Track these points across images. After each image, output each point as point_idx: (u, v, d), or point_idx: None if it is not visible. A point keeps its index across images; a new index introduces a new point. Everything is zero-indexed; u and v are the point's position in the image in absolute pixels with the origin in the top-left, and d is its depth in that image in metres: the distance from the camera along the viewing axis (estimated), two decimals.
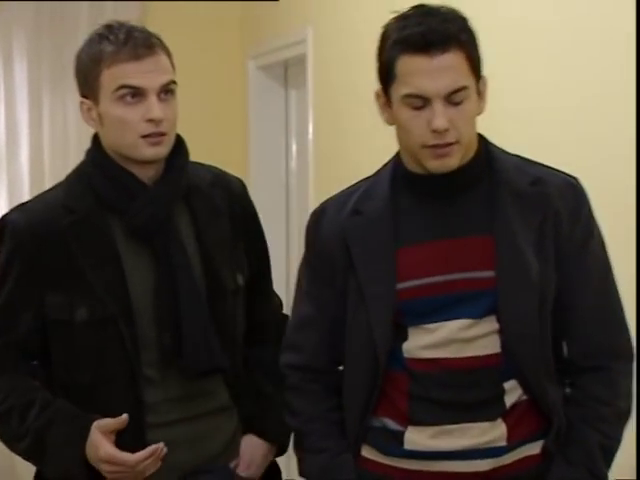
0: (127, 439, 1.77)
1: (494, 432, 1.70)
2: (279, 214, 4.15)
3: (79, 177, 1.87)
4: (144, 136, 1.76)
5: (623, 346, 1.76)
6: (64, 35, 4.34)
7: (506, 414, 1.70)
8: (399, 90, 1.65)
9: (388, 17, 3.37)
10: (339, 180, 3.76)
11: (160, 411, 1.83)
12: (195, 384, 1.85)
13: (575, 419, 1.72)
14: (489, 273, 1.69)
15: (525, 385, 1.71)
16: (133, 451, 1.74)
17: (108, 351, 1.80)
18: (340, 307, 1.79)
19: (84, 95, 1.81)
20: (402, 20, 1.67)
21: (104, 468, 1.74)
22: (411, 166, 1.73)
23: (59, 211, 1.82)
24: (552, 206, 1.70)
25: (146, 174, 1.81)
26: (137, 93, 1.75)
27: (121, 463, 1.73)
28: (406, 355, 1.73)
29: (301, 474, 1.84)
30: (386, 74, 1.67)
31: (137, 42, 1.74)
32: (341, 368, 1.85)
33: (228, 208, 1.94)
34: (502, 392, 1.70)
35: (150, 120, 1.74)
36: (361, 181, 1.85)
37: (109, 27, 1.78)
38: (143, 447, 1.76)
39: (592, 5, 2.05)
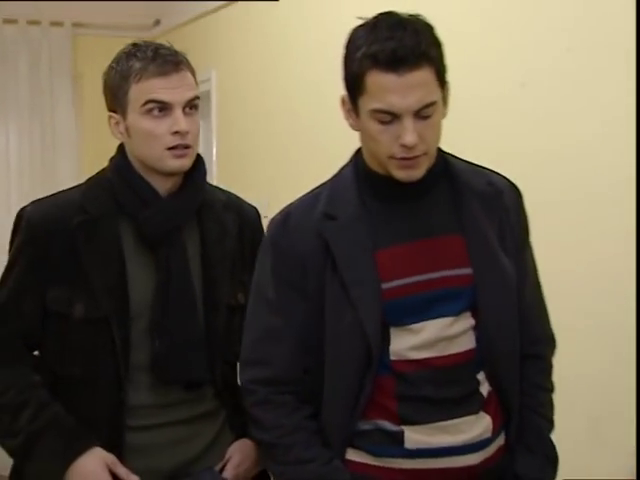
0: (106, 439, 1.73)
1: (482, 424, 1.64)
2: None
3: (99, 180, 1.84)
4: (170, 148, 1.73)
5: (552, 335, 1.76)
6: (5, 70, 4.54)
7: (485, 405, 1.65)
8: (368, 104, 1.54)
9: (278, 62, 3.51)
10: (238, 194, 4.33)
11: (141, 415, 1.77)
12: (183, 392, 1.79)
13: (522, 407, 1.68)
14: (466, 270, 1.63)
15: (494, 376, 1.67)
16: (110, 451, 1.72)
17: (99, 350, 1.75)
18: (310, 312, 1.65)
19: (112, 110, 1.78)
20: (372, 31, 1.53)
21: None
22: (375, 167, 1.64)
23: (73, 210, 1.77)
24: (504, 205, 1.68)
25: (164, 186, 1.78)
26: (164, 107, 1.71)
27: None
28: (393, 357, 1.63)
29: None
30: (354, 85, 1.56)
31: (164, 59, 1.72)
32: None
33: (238, 231, 1.89)
34: (478, 384, 1.65)
35: (176, 132, 1.71)
36: (320, 185, 1.74)
37: (136, 45, 1.77)
38: (120, 449, 1.73)
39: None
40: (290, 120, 3.56)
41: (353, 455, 1.65)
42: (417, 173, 1.57)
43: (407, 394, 1.61)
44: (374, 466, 1.64)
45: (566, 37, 2.21)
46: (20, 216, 1.80)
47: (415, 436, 1.61)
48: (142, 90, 1.71)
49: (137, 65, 1.71)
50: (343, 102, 1.61)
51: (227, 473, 1.81)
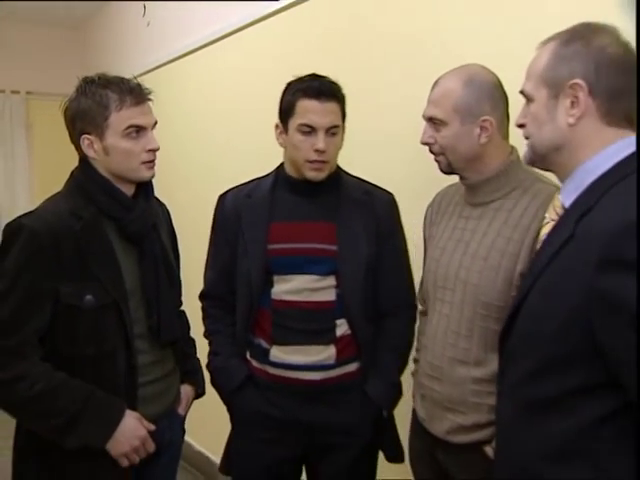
0: (124, 397, 1.91)
1: (326, 353, 2.04)
2: None
3: (78, 190, 1.92)
4: (144, 162, 1.91)
5: (409, 299, 2.15)
6: None
7: (336, 341, 2.05)
8: (296, 121, 1.98)
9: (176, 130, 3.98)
10: None
11: (144, 373, 1.97)
12: (162, 351, 2.03)
13: (380, 348, 2.09)
14: (333, 246, 2.04)
15: (350, 323, 2.06)
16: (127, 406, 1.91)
17: (110, 328, 1.89)
18: (232, 258, 2.11)
19: (85, 132, 1.89)
20: (301, 78, 2.00)
21: (134, 443, 1.89)
22: (291, 172, 2.08)
23: (69, 217, 1.85)
24: (375, 209, 2.09)
25: (130, 191, 1.95)
26: (140, 130, 1.89)
27: (147, 444, 1.94)
28: (273, 297, 2.07)
29: (207, 367, 2.21)
30: (287, 111, 2.00)
31: (138, 91, 1.90)
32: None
33: (165, 219, 2.18)
34: (334, 326, 2.06)
35: (150, 150, 1.91)
36: (254, 179, 2.20)
37: (104, 78, 1.90)
38: (135, 402, 1.93)
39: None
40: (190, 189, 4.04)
41: (249, 357, 2.14)
42: (321, 175, 2.02)
43: (278, 323, 2.06)
44: (257, 368, 2.12)
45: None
46: (18, 228, 1.82)
47: (277, 353, 2.06)
48: (123, 117, 1.87)
49: (116, 96, 1.87)
50: (276, 126, 2.06)
51: (181, 411, 2.19)
